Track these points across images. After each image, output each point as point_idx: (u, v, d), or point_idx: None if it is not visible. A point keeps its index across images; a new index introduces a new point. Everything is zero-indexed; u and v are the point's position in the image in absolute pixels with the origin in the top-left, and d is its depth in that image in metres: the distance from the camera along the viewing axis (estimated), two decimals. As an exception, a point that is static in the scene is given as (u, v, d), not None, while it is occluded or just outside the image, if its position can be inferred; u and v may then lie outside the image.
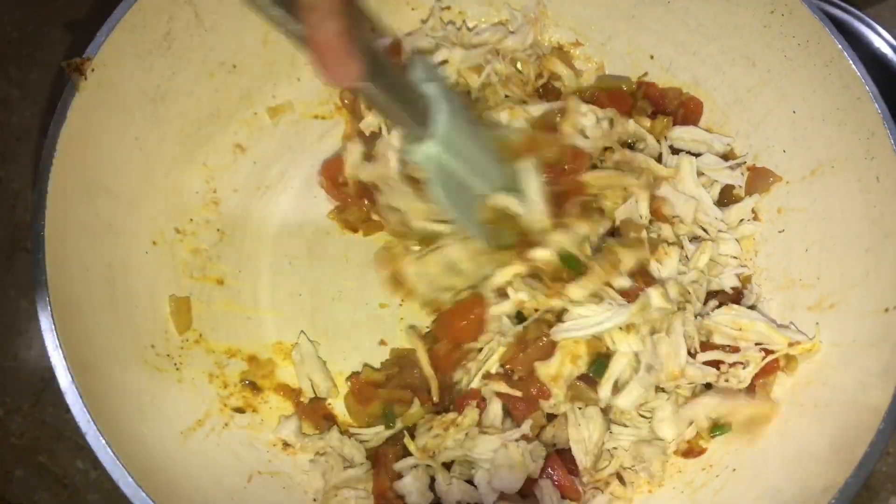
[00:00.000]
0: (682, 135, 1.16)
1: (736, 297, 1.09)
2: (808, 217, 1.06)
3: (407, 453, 1.02)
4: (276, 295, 1.16)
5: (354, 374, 1.11)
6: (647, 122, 1.16)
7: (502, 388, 1.03)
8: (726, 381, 1.03)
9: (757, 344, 1.03)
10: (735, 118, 1.15)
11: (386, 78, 0.80)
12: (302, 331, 1.13)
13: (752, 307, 1.08)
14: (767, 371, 1.03)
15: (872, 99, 0.95)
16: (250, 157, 1.19)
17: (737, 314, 1.04)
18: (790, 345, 1.01)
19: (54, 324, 0.84)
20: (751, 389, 1.03)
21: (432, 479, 1.03)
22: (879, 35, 1.30)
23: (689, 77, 1.17)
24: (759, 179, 1.11)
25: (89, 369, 0.88)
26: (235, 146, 1.18)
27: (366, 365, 1.12)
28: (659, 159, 1.15)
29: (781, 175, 1.10)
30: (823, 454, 0.90)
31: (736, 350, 1.04)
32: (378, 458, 1.03)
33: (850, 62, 0.96)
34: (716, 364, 1.03)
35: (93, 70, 0.93)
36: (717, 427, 1.03)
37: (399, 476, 1.01)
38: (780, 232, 1.10)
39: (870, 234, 0.96)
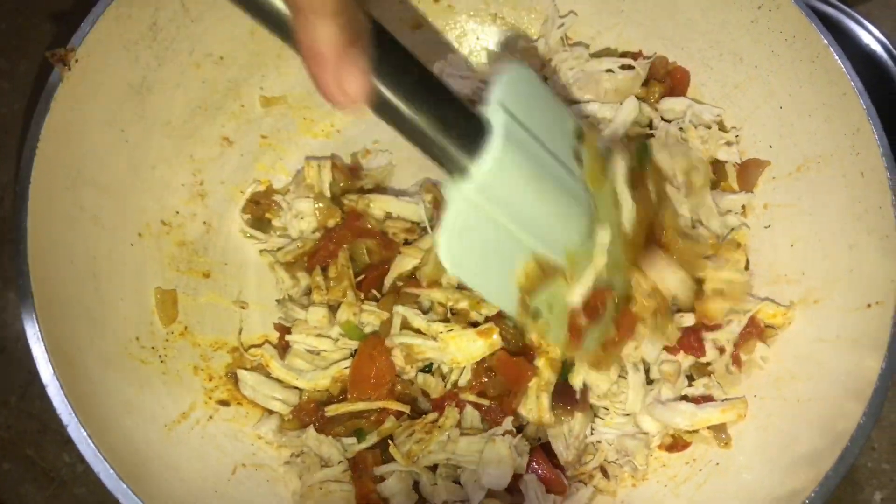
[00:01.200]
0: (673, 105, 1.16)
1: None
2: (794, 213, 1.06)
3: (386, 457, 1.02)
4: (263, 288, 1.16)
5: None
6: (638, 90, 1.16)
7: (471, 398, 1.02)
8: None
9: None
10: (723, 115, 1.15)
11: (416, 98, 0.65)
12: (235, 371, 1.09)
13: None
14: (746, 337, 1.04)
15: (858, 94, 0.95)
16: (237, 149, 1.19)
17: None
18: (764, 300, 1.04)
19: (36, 315, 0.84)
20: (736, 361, 1.04)
21: (416, 482, 1.02)
22: (869, 32, 1.31)
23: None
24: (750, 170, 1.11)
25: (73, 362, 0.88)
26: (223, 139, 1.18)
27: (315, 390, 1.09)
28: (650, 126, 1.15)
29: (768, 171, 1.10)
30: (805, 448, 0.90)
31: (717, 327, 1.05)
32: (357, 463, 1.02)
33: (836, 57, 0.96)
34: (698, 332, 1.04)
35: (77, 60, 0.93)
36: None
37: (381, 479, 1.01)
38: (765, 227, 1.10)
39: (854, 229, 0.97)
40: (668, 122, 1.16)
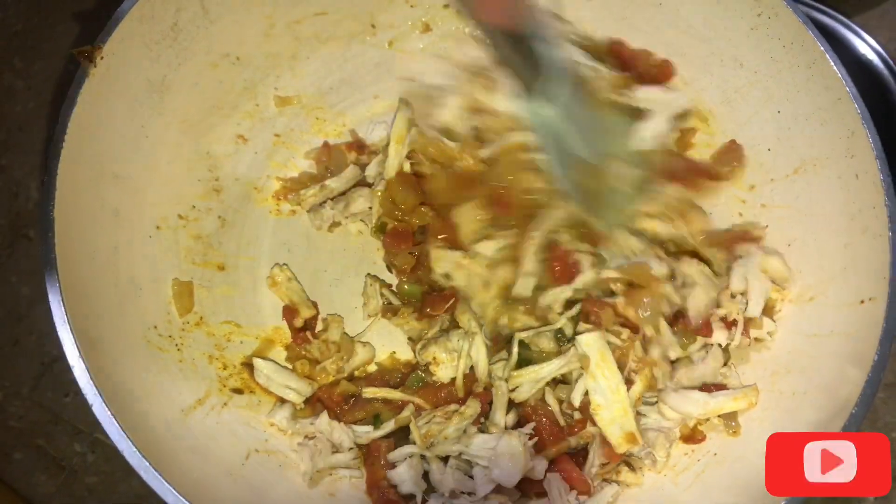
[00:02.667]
0: (647, 94, 1.18)
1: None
2: (791, 213, 1.09)
3: (400, 446, 1.04)
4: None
5: (328, 386, 1.11)
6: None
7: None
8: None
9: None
10: (723, 118, 1.18)
11: (524, 26, 0.85)
12: (253, 357, 1.12)
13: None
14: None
15: (853, 99, 0.98)
16: (252, 147, 1.22)
17: None
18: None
19: (63, 301, 0.87)
20: (745, 334, 1.07)
21: (425, 472, 1.04)
22: (866, 42, 1.35)
23: (678, 78, 1.20)
24: (729, 154, 1.16)
25: (94, 347, 0.91)
26: (238, 136, 1.21)
27: (343, 379, 1.12)
28: None
29: (767, 173, 1.13)
30: (800, 439, 0.93)
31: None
32: (371, 450, 1.05)
33: (832, 63, 1.00)
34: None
35: (102, 58, 0.96)
36: None
37: (392, 466, 1.03)
38: (763, 227, 1.13)
39: (848, 229, 1.00)
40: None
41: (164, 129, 1.09)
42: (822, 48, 1.00)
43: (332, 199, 1.20)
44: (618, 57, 1.21)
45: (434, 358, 1.05)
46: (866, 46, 1.35)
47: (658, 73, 1.20)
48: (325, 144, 1.24)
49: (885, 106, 1.32)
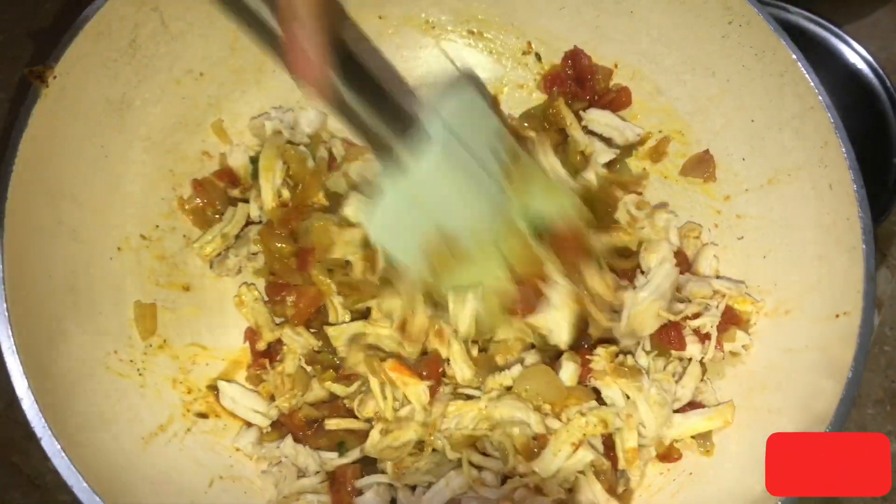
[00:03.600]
0: (598, 118, 1.19)
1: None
2: (766, 224, 1.08)
3: (366, 472, 1.02)
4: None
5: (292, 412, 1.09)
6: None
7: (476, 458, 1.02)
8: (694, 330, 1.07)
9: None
10: (697, 127, 1.16)
11: (364, 88, 0.82)
12: (218, 381, 1.10)
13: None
14: (724, 327, 1.06)
15: (825, 108, 0.96)
16: (217, 164, 1.20)
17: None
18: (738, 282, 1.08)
19: (11, 329, 0.85)
20: (720, 348, 1.06)
21: (393, 499, 1.02)
22: (856, 51, 1.34)
23: (652, 86, 1.19)
24: (703, 164, 1.15)
25: (49, 375, 0.89)
26: (203, 153, 1.18)
27: (305, 403, 1.09)
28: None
29: (741, 183, 1.11)
30: (776, 458, 0.91)
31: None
32: (336, 477, 1.03)
33: (804, 72, 0.98)
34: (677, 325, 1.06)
35: (55, 77, 0.94)
36: None
37: (359, 492, 1.01)
38: (739, 239, 1.11)
39: (823, 241, 0.98)
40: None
41: (125, 148, 1.07)
42: (793, 56, 0.99)
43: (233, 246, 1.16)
44: (574, 67, 1.20)
45: (375, 413, 1.01)
46: (856, 56, 1.34)
47: (615, 100, 1.20)
48: (196, 182, 1.16)
49: (874, 115, 1.31)
